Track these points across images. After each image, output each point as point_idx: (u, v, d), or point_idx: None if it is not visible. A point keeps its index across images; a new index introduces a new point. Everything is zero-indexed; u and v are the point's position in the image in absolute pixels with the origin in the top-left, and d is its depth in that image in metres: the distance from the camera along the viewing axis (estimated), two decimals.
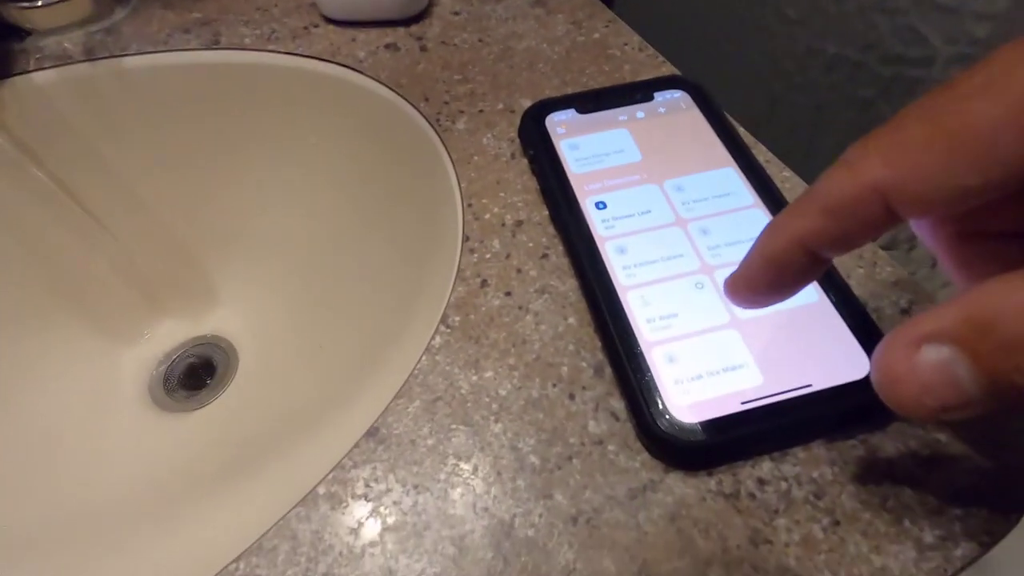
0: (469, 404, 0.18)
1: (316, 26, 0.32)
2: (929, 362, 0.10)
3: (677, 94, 0.25)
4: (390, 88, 0.28)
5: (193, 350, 0.39)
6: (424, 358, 0.19)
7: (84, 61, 0.30)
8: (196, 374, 0.38)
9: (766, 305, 0.15)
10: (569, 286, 0.21)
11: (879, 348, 0.12)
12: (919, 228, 0.15)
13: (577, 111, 0.25)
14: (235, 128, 0.32)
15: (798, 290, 0.14)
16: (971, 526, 0.16)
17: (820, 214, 0.12)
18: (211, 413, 0.36)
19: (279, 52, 0.30)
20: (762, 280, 0.14)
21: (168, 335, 0.39)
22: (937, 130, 0.11)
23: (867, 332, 0.18)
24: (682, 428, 0.16)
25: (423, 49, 0.30)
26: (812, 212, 0.13)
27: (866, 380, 0.17)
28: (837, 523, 0.16)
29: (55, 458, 0.33)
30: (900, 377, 0.11)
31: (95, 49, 0.31)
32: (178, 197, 0.35)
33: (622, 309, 0.19)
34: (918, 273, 0.37)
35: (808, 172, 0.37)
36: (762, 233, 0.14)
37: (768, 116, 0.39)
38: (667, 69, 0.29)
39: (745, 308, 0.17)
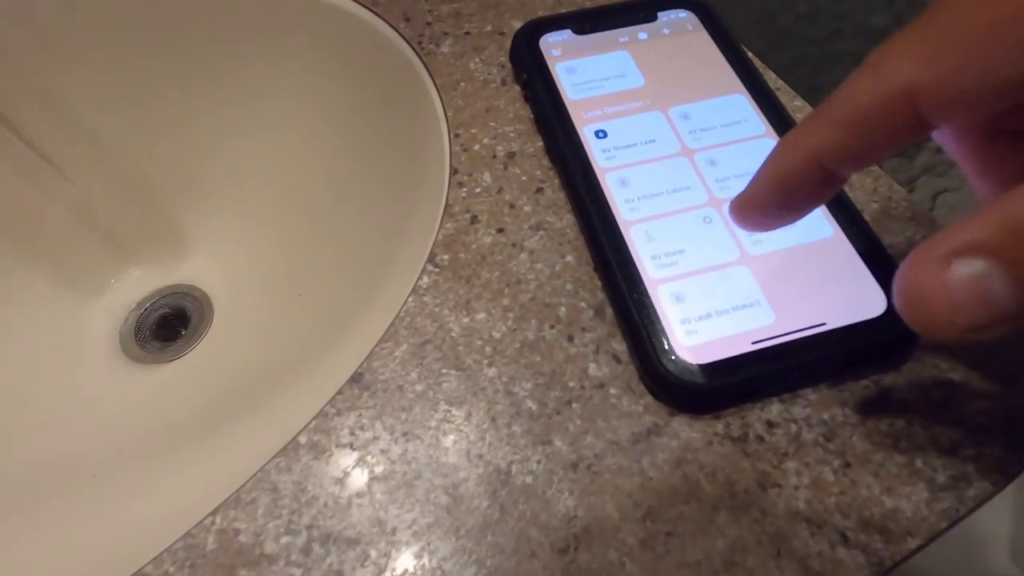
0: (460, 347, 0.17)
1: None
2: (962, 277, 0.09)
3: (683, 14, 0.23)
4: (366, 7, 0.26)
5: (165, 300, 0.37)
6: (411, 299, 0.18)
7: None
8: (169, 324, 0.36)
9: (774, 228, 0.14)
10: (567, 222, 0.19)
11: (904, 266, 0.10)
12: (940, 137, 0.13)
13: (574, 32, 0.23)
14: (197, 56, 0.29)
15: (810, 210, 0.13)
16: (984, 465, 0.15)
17: (840, 126, 0.11)
18: (186, 364, 0.34)
19: None
20: (771, 201, 0.13)
21: (138, 284, 0.36)
22: (969, 21, 0.10)
23: (884, 268, 0.17)
24: (688, 370, 0.15)
25: None
26: (831, 125, 0.11)
27: (882, 318, 0.16)
28: (848, 465, 0.15)
29: (21, 415, 0.31)
30: (930, 296, 0.10)
31: None
32: (138, 134, 0.33)
33: (625, 245, 0.17)
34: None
35: (817, 101, 0.35)
36: (774, 149, 0.13)
37: (770, 50, 0.37)
38: None
39: (751, 231, 0.16)
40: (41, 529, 0.26)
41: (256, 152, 0.33)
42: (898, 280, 0.11)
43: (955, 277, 0.10)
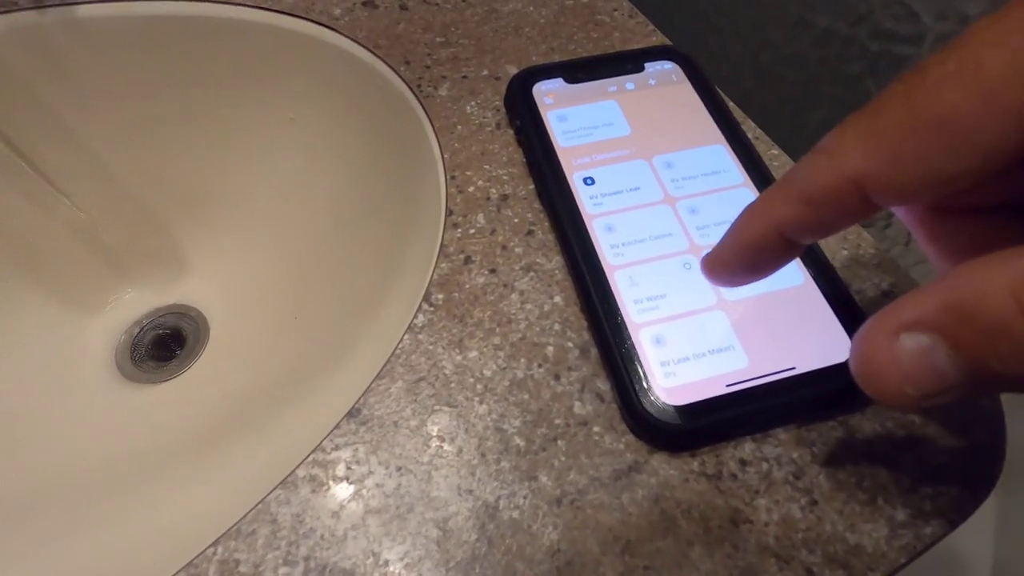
0: (453, 384, 0.18)
1: None
2: (909, 351, 0.10)
3: (668, 65, 0.25)
4: (368, 49, 0.27)
5: (161, 319, 0.37)
6: (407, 337, 0.19)
7: (31, 9, 0.28)
8: (165, 344, 0.37)
9: (743, 284, 0.15)
10: (555, 264, 0.21)
11: (858, 336, 0.11)
12: (899, 214, 0.15)
13: (565, 80, 0.24)
14: (202, 87, 0.31)
15: (774, 271, 0.14)
16: (941, 505, 0.16)
17: (798, 202, 0.12)
18: (181, 385, 0.35)
19: (248, 6, 0.28)
20: (739, 262, 0.14)
21: (135, 303, 0.37)
22: (913, 118, 0.10)
23: (850, 314, 0.18)
24: (667, 411, 0.16)
25: (403, 8, 0.29)
26: (790, 199, 0.12)
27: (847, 362, 0.17)
28: (815, 503, 0.16)
29: (15, 432, 0.32)
30: (880, 367, 0.11)
31: None
32: (142, 159, 0.33)
33: (609, 290, 0.18)
34: (893, 251, 0.38)
35: (795, 147, 0.37)
36: (740, 216, 0.14)
37: (756, 88, 0.39)
38: (657, 38, 0.28)
39: (721, 286, 0.17)
40: (35, 547, 0.26)
41: (257, 179, 0.34)
42: (853, 349, 0.11)
43: (903, 350, 0.10)
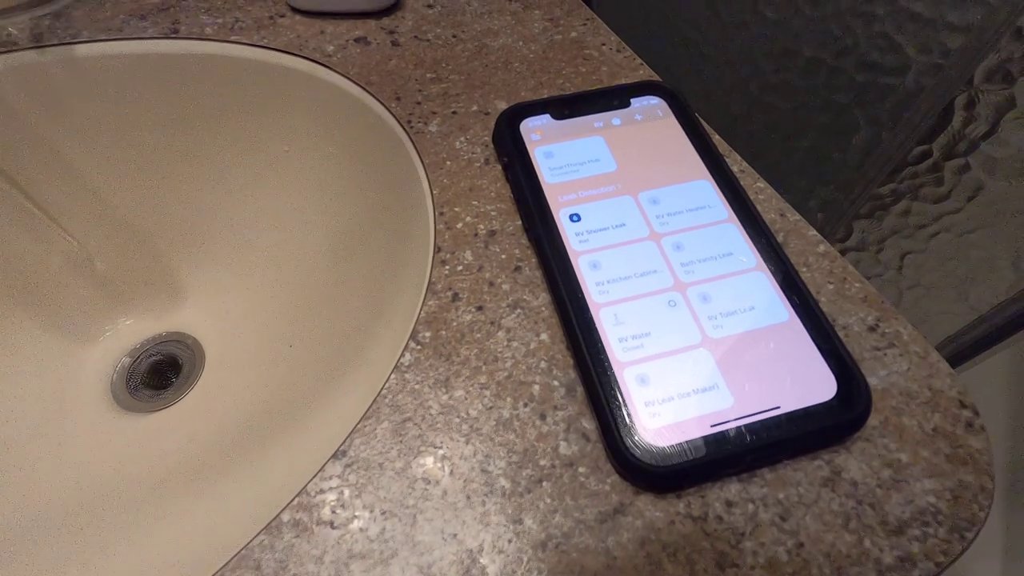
0: (439, 425, 0.18)
1: (282, 16, 0.30)
2: None
3: (654, 100, 0.25)
4: (360, 86, 0.27)
5: (157, 347, 0.38)
6: (393, 376, 0.19)
7: (31, 48, 0.28)
8: (161, 372, 0.37)
9: None
10: (542, 300, 0.21)
11: None
12: None
13: (552, 116, 0.24)
14: (197, 121, 0.31)
15: None
16: (928, 546, 0.16)
17: None
18: (176, 413, 0.35)
19: (243, 43, 0.29)
20: None
21: (131, 332, 0.37)
22: None
23: (835, 352, 0.18)
24: (652, 452, 0.16)
25: (395, 44, 0.29)
26: None
27: (833, 402, 0.17)
28: (801, 545, 0.16)
29: (10, 461, 0.32)
30: None
31: (43, 35, 0.29)
32: (138, 191, 0.34)
33: (595, 328, 0.18)
34: (886, 275, 0.38)
35: (784, 175, 0.37)
36: None
37: (745, 116, 0.39)
38: (644, 72, 0.28)
39: None
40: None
41: (253, 211, 0.34)
42: None
43: None
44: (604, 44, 0.29)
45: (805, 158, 0.37)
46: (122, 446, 0.33)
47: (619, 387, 0.17)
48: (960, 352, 0.38)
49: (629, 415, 0.17)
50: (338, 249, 0.31)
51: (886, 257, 0.37)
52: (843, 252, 0.39)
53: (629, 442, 0.16)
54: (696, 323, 0.19)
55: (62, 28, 0.29)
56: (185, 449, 0.33)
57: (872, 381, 0.19)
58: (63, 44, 0.28)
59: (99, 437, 0.34)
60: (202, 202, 0.35)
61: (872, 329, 0.20)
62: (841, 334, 0.20)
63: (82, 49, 0.29)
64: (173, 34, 0.29)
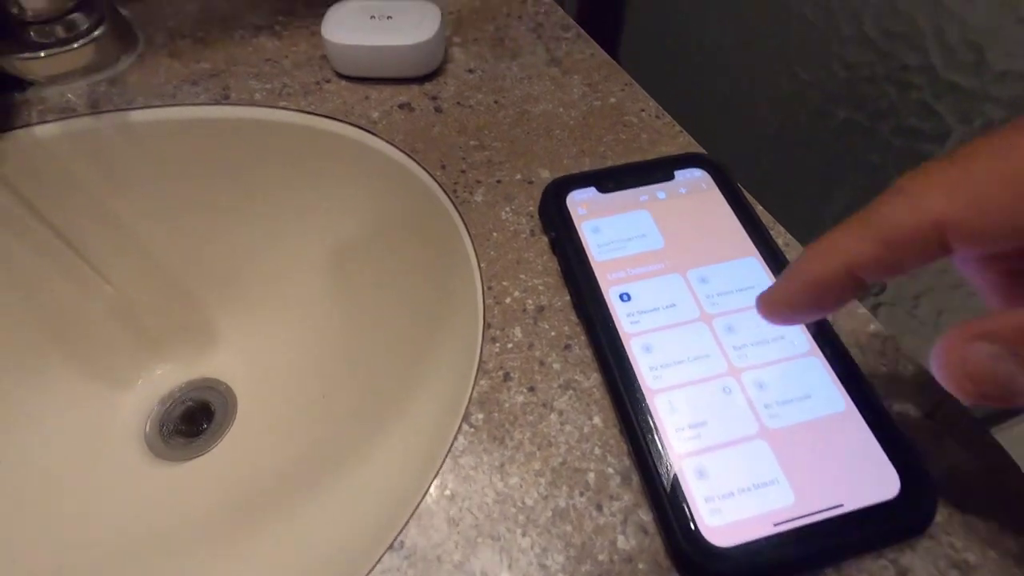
0: (495, 515, 0.18)
1: (328, 81, 0.31)
2: (977, 353, 0.12)
3: (698, 173, 0.25)
4: (406, 153, 0.28)
5: (191, 393, 0.38)
6: (448, 461, 0.19)
7: (88, 115, 0.29)
8: (193, 418, 0.37)
9: (799, 323, 0.16)
10: (593, 381, 0.21)
11: (941, 340, 0.13)
12: (965, 265, 0.15)
13: (598, 190, 0.25)
14: (245, 183, 0.32)
15: (834, 310, 0.15)
16: None
17: (874, 241, 0.13)
18: (207, 463, 0.35)
19: (290, 109, 0.30)
20: (803, 300, 0.15)
21: (165, 378, 0.38)
22: (1002, 169, 0.11)
23: (896, 444, 0.18)
24: (714, 553, 0.16)
25: (438, 110, 0.30)
26: (867, 240, 0.13)
27: (896, 500, 0.17)
28: None
29: (44, 509, 0.32)
30: (950, 364, 0.13)
31: (99, 101, 0.30)
32: (181, 245, 0.35)
33: (651, 418, 0.18)
34: (920, 332, 0.37)
35: (818, 230, 0.37)
36: (804, 255, 0.14)
37: (779, 175, 0.39)
38: (684, 139, 0.28)
39: (779, 324, 0.17)
40: None
41: (290, 263, 0.35)
42: (934, 351, 0.13)
43: (972, 352, 0.12)
44: (643, 110, 0.30)
45: (840, 214, 0.37)
46: (154, 496, 0.34)
47: (678, 481, 0.17)
48: (995, 412, 0.37)
49: (690, 511, 0.17)
50: (380, 310, 0.31)
51: (922, 313, 0.37)
52: (877, 306, 0.38)
53: (691, 542, 0.16)
54: (753, 412, 0.19)
55: (118, 94, 0.30)
56: (216, 501, 0.33)
57: (934, 473, 0.19)
58: (118, 110, 0.29)
59: (131, 486, 0.34)
60: (240, 252, 0.35)
61: (930, 416, 0.20)
62: (899, 421, 0.19)
63: (136, 115, 0.30)
64: (224, 100, 0.30)
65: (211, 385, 0.39)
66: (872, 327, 0.22)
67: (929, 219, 0.12)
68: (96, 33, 0.31)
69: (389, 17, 0.30)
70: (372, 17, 0.30)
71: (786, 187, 0.39)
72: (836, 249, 0.13)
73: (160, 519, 0.33)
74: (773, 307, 0.15)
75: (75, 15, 0.30)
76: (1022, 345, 0.12)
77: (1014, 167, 0.11)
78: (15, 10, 0.29)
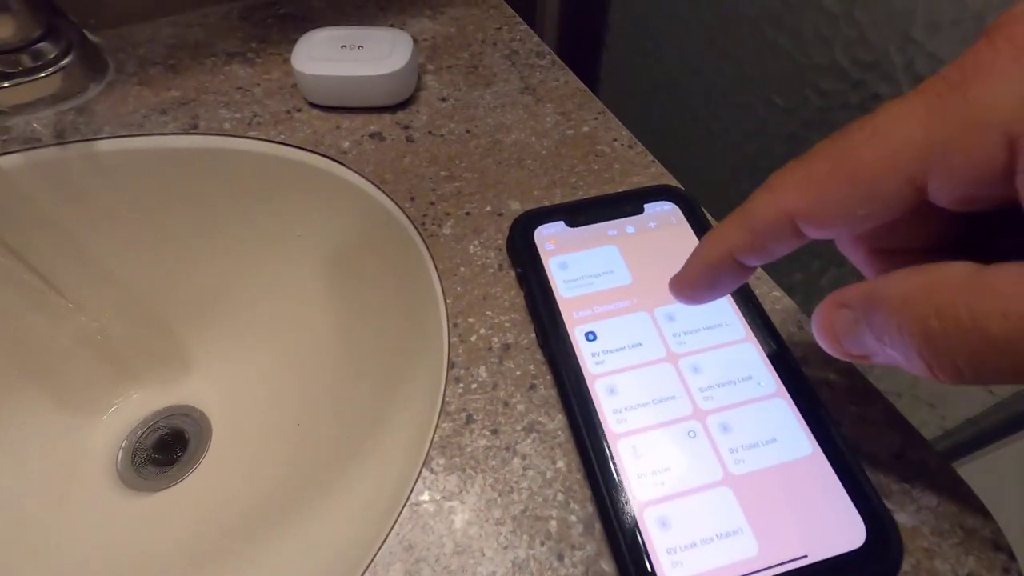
0: (453, 567, 0.17)
1: (299, 110, 0.31)
2: (841, 318, 0.15)
3: (668, 206, 0.25)
4: (375, 184, 0.28)
5: (164, 421, 0.37)
6: (406, 511, 0.18)
7: (54, 144, 0.29)
8: (167, 446, 0.36)
9: (707, 301, 0.18)
10: (558, 423, 0.20)
11: (819, 305, 0.15)
12: (842, 246, 0.17)
13: (566, 224, 0.24)
14: (215, 212, 0.31)
15: (732, 290, 0.17)
16: None
17: (746, 231, 0.15)
18: (180, 493, 0.34)
19: (260, 139, 0.29)
20: (701, 281, 0.17)
21: (138, 405, 0.37)
22: (837, 169, 0.13)
23: (862, 490, 0.18)
24: None
25: (409, 140, 0.30)
26: (740, 229, 0.15)
27: (862, 550, 0.17)
28: None
29: (13, 541, 0.31)
30: (824, 327, 0.15)
31: (66, 131, 0.29)
32: (151, 274, 0.34)
33: (613, 464, 0.18)
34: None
35: (794, 255, 0.37)
36: (702, 241, 0.17)
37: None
38: (656, 169, 0.28)
39: (687, 304, 0.18)
40: None
41: (262, 289, 0.35)
42: (813, 317, 0.16)
43: (838, 317, 0.15)
44: (616, 140, 0.30)
45: (816, 244, 0.37)
46: (124, 528, 0.33)
47: (640, 531, 0.17)
48: (978, 437, 0.37)
49: (651, 564, 0.16)
50: (348, 335, 0.31)
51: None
52: None
53: None
54: (717, 457, 0.18)
55: (84, 123, 0.30)
56: (188, 533, 0.32)
57: (901, 518, 0.18)
58: (85, 140, 0.29)
59: (101, 518, 0.33)
60: (212, 279, 0.35)
61: (898, 457, 0.19)
62: (866, 463, 0.19)
63: (103, 145, 0.29)
64: (192, 130, 0.30)
65: (185, 412, 0.38)
66: (842, 364, 0.22)
67: (783, 210, 0.14)
68: (64, 62, 0.30)
69: (360, 47, 0.30)
70: (343, 47, 0.30)
71: None
72: (720, 238, 0.16)
73: (131, 551, 0.32)
74: (678, 289, 0.18)
75: (42, 44, 0.30)
76: (868, 311, 0.14)
77: (844, 168, 0.13)
78: None
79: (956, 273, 0.12)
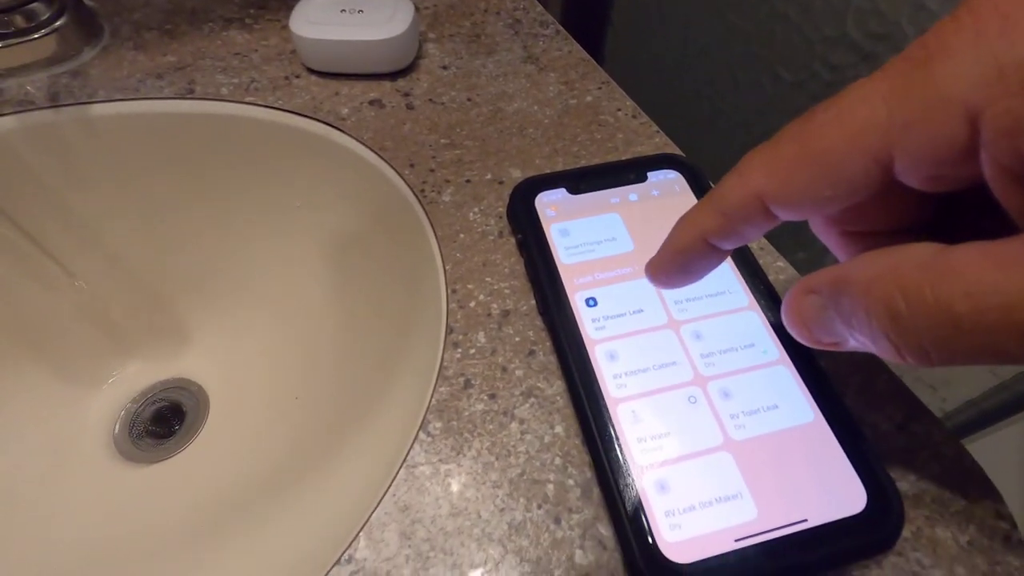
0: (449, 529, 0.17)
1: (297, 76, 0.30)
2: (809, 304, 0.15)
3: (672, 175, 0.25)
4: (374, 151, 0.27)
5: (162, 394, 0.37)
6: (402, 472, 0.18)
7: (48, 107, 0.28)
8: (164, 419, 0.36)
9: (682, 285, 0.17)
10: (556, 388, 0.20)
11: (787, 292, 0.16)
12: (816, 229, 0.17)
13: (568, 191, 0.24)
14: (211, 180, 0.31)
15: (705, 273, 0.17)
16: None
17: (717, 214, 0.15)
18: (176, 465, 0.34)
19: (257, 105, 0.29)
20: (674, 266, 0.17)
21: (136, 377, 0.37)
22: (802, 151, 0.13)
23: (863, 457, 0.17)
24: (673, 569, 0.16)
25: (409, 107, 0.29)
26: (712, 211, 0.15)
27: (863, 515, 0.16)
28: None
29: (14, 510, 0.31)
30: (791, 313, 0.15)
31: (60, 94, 0.29)
32: (149, 243, 0.34)
33: (613, 428, 0.18)
34: None
35: (799, 229, 0.36)
36: (675, 225, 0.17)
37: None
38: (660, 140, 0.28)
39: (664, 288, 0.19)
40: None
41: (261, 260, 0.34)
42: (783, 305, 0.16)
43: (807, 303, 0.15)
44: (619, 109, 0.29)
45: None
46: (121, 499, 0.33)
47: (638, 495, 0.17)
48: (980, 418, 0.37)
49: (649, 527, 0.16)
50: (349, 308, 0.30)
51: None
52: None
53: (649, 558, 0.16)
54: (717, 423, 0.18)
55: (79, 87, 0.29)
56: (185, 504, 0.32)
57: (903, 486, 0.18)
58: (79, 104, 0.28)
59: (99, 489, 0.33)
60: (210, 250, 0.34)
61: (901, 428, 0.19)
62: (869, 433, 0.19)
63: (97, 109, 0.29)
64: (189, 94, 0.29)
65: (183, 385, 0.38)
66: None
67: (752, 193, 0.14)
68: (58, 23, 0.30)
69: (360, 11, 0.29)
70: (343, 11, 0.29)
71: None
72: (692, 222, 0.16)
73: (127, 522, 0.32)
74: (652, 272, 0.17)
75: (35, 4, 0.29)
76: (835, 295, 0.14)
77: (809, 150, 0.13)
78: None
79: (920, 254, 0.12)
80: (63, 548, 0.30)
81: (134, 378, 0.37)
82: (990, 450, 0.36)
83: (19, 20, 0.29)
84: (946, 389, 0.37)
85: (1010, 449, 0.37)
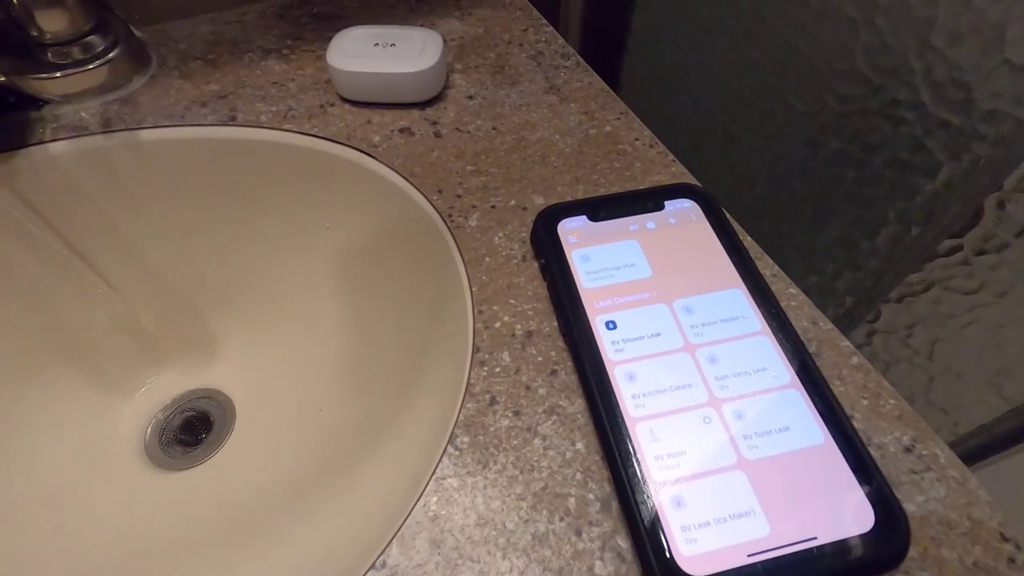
0: (476, 538, 0.18)
1: (332, 105, 0.32)
2: None
3: (688, 204, 0.26)
4: (404, 177, 0.29)
5: (191, 403, 0.39)
6: (431, 485, 0.19)
7: (100, 133, 0.30)
8: (192, 428, 0.38)
9: None
10: (578, 407, 0.21)
11: None
12: None
13: (589, 218, 0.25)
14: (249, 202, 0.33)
15: None
16: None
17: None
18: (204, 473, 0.36)
19: (295, 132, 0.31)
20: None
21: (167, 387, 0.38)
22: None
23: (872, 480, 0.18)
24: None
25: (437, 135, 0.31)
26: None
27: (870, 534, 0.17)
28: None
29: (48, 514, 0.32)
30: None
31: (111, 120, 0.31)
32: (186, 260, 0.35)
33: (631, 445, 0.19)
34: (915, 360, 0.38)
35: (810, 256, 0.37)
36: None
37: (772, 197, 0.40)
38: (677, 169, 0.29)
39: None
40: None
41: (290, 278, 0.36)
42: None
43: None
44: (637, 139, 0.31)
45: (833, 244, 0.37)
46: (151, 505, 0.34)
47: (655, 510, 0.18)
48: (993, 442, 0.37)
49: (666, 540, 0.17)
50: (376, 327, 0.32)
51: (916, 342, 0.37)
52: (871, 334, 0.39)
53: (666, 570, 0.17)
54: (731, 443, 0.19)
55: (129, 113, 0.31)
56: (211, 510, 0.33)
57: (909, 508, 0.19)
58: (129, 130, 0.30)
59: (130, 494, 0.34)
60: (243, 267, 0.36)
61: (908, 450, 0.20)
62: (876, 455, 0.20)
63: (146, 135, 0.31)
64: (231, 121, 0.31)
65: (211, 395, 0.39)
66: (855, 360, 0.22)
67: None
68: (111, 55, 0.32)
69: (393, 45, 0.31)
70: (376, 44, 0.31)
71: (779, 217, 0.39)
72: None
73: (156, 527, 0.33)
74: None
75: (92, 37, 0.31)
76: None
77: None
78: (35, 32, 0.30)
79: None
80: (95, 550, 0.32)
81: (165, 388, 0.39)
82: (1003, 475, 0.36)
83: (76, 52, 0.31)
84: (958, 412, 0.38)
85: (1022, 474, 0.37)
